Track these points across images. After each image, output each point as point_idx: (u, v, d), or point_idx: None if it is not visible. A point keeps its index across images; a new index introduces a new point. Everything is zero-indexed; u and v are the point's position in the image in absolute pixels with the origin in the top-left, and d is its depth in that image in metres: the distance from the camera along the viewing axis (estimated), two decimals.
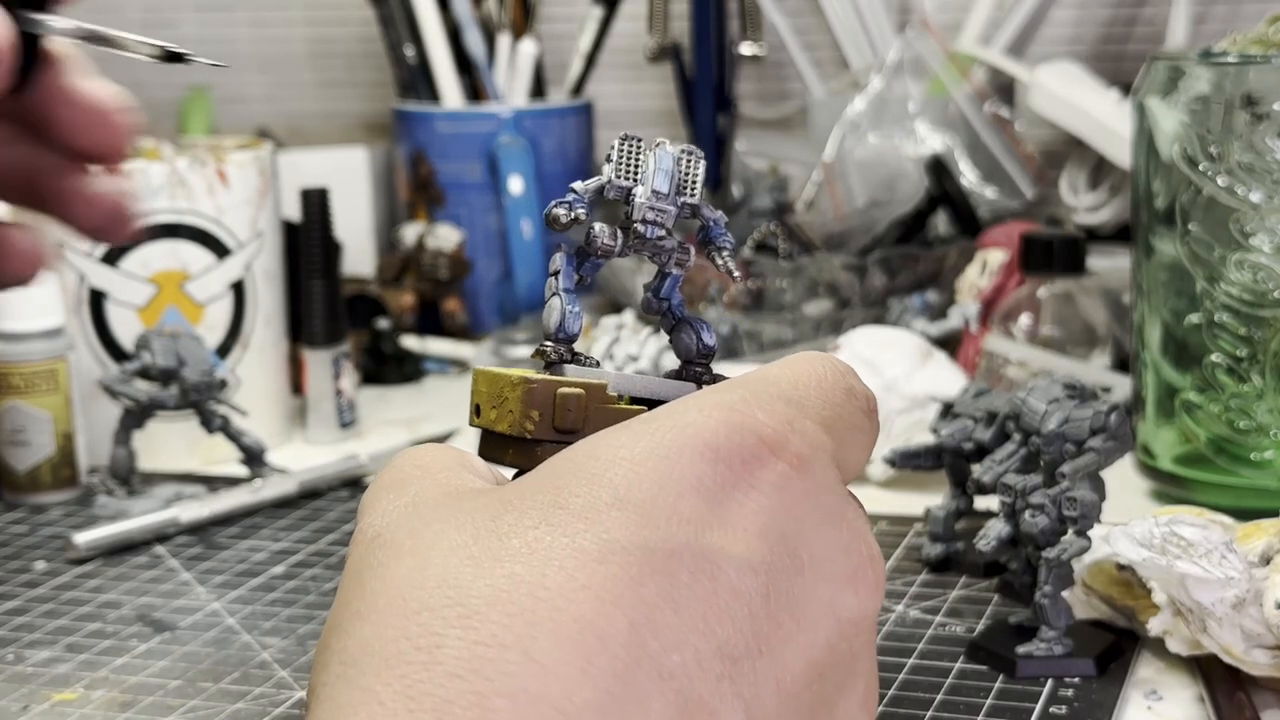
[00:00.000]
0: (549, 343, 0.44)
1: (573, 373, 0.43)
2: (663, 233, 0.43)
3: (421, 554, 0.35)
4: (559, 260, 0.45)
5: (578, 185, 0.45)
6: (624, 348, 0.85)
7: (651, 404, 0.42)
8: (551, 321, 0.44)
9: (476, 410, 0.44)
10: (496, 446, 0.44)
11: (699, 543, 0.34)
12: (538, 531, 0.34)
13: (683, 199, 0.44)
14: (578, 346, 0.43)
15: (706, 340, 0.44)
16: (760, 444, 0.36)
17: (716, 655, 0.33)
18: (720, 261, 0.44)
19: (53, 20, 0.44)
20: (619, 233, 0.44)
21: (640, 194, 0.43)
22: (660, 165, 0.43)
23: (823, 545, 0.36)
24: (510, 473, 0.44)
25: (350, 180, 1.22)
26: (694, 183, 0.43)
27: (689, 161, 0.44)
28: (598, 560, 0.33)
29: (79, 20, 0.44)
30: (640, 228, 0.43)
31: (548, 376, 0.42)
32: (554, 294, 0.44)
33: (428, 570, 0.34)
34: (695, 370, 0.45)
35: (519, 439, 0.42)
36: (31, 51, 0.44)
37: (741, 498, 0.35)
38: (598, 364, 0.44)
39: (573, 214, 0.44)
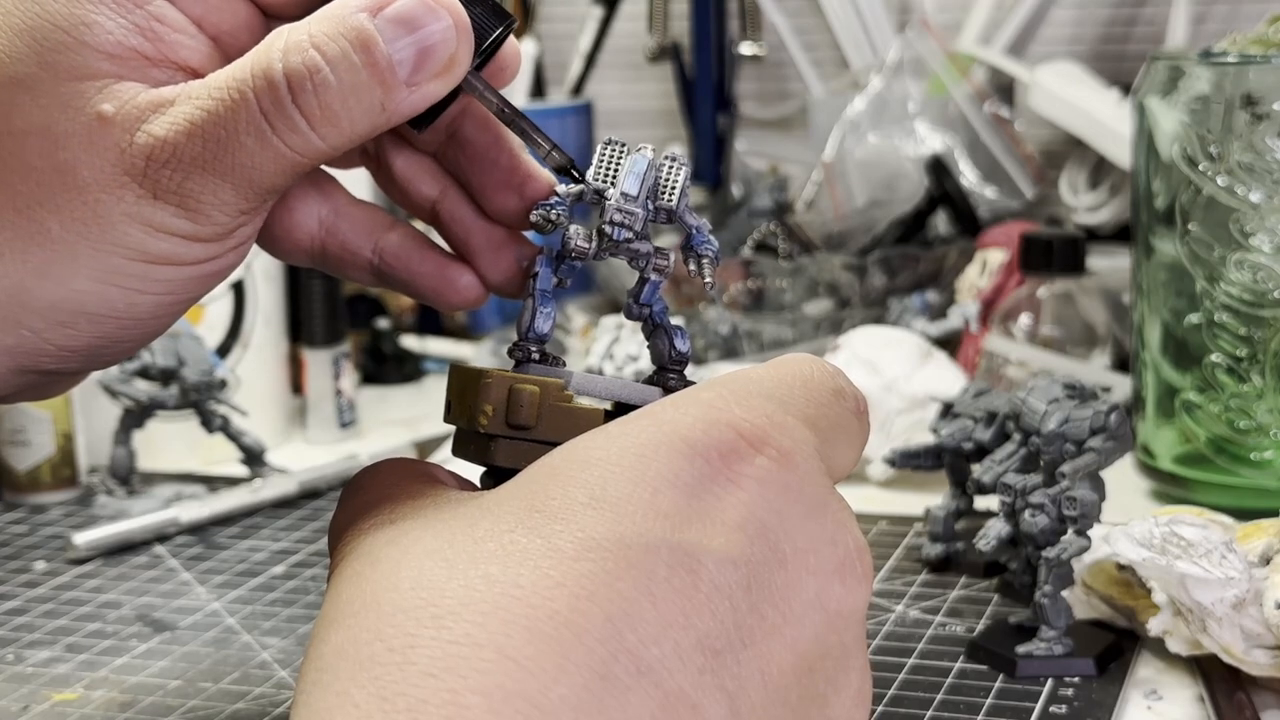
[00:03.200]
0: (519, 342, 0.44)
1: (537, 371, 0.43)
2: (629, 235, 0.43)
3: (396, 560, 0.35)
4: (537, 263, 0.45)
5: (560, 189, 0.45)
6: (624, 348, 0.85)
7: (624, 408, 0.42)
8: (523, 322, 0.44)
9: (448, 407, 0.44)
10: (460, 442, 0.44)
11: (676, 537, 0.34)
12: (514, 535, 0.34)
13: (658, 203, 0.44)
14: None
15: (680, 347, 0.44)
16: (738, 438, 0.36)
17: (697, 648, 0.33)
18: (695, 268, 0.44)
19: (486, 90, 0.45)
20: (593, 235, 0.44)
21: (610, 196, 0.43)
22: (633, 169, 0.43)
23: (806, 537, 0.36)
24: (475, 474, 0.44)
25: (350, 180, 1.21)
26: (672, 188, 0.43)
27: (671, 168, 0.44)
28: (573, 558, 0.33)
29: (506, 97, 0.45)
30: (607, 229, 0.43)
31: (506, 372, 0.43)
32: (529, 295, 0.45)
33: (401, 574, 0.34)
34: (668, 376, 0.45)
35: (476, 434, 0.42)
36: (450, 99, 0.45)
37: (720, 491, 0.35)
38: (564, 364, 0.44)
39: (550, 217, 0.44)
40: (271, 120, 0.40)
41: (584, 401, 0.42)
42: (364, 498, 0.40)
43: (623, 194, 0.43)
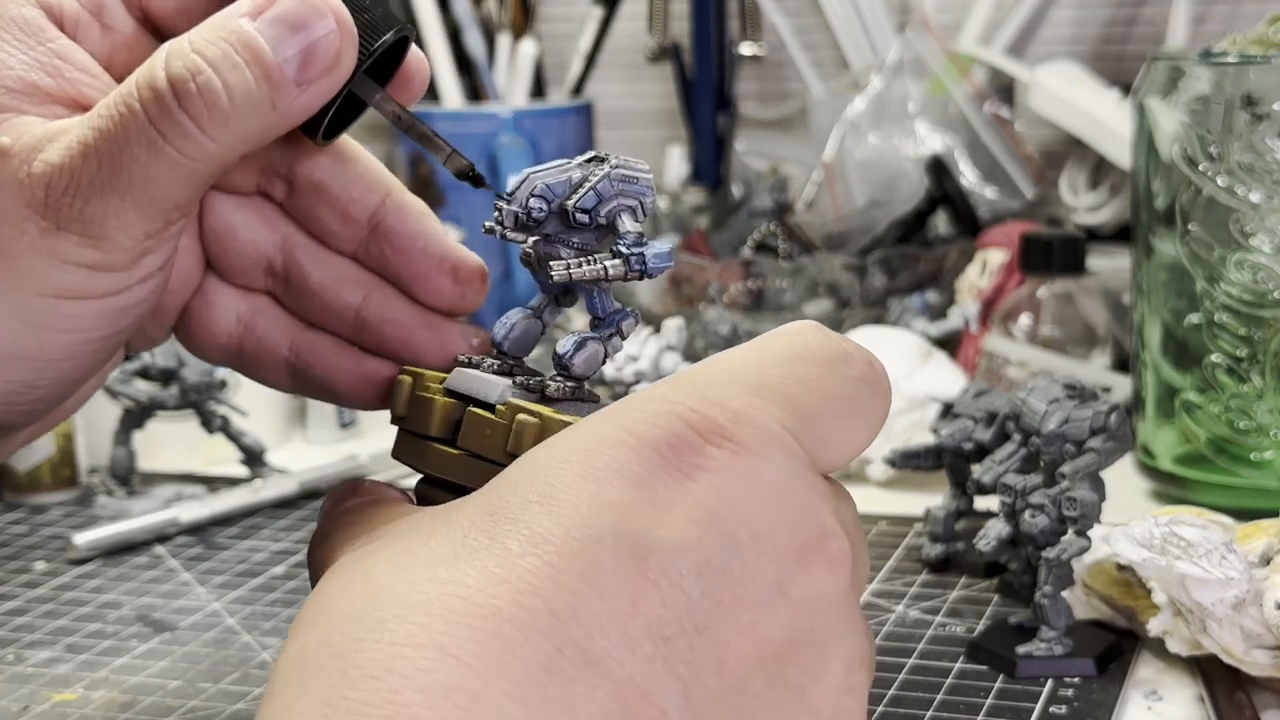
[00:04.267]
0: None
1: (466, 374, 0.44)
2: (500, 230, 0.43)
3: (353, 572, 0.36)
4: None
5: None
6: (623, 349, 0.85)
7: (467, 399, 0.42)
8: None
9: None
10: None
11: (622, 527, 0.34)
12: (467, 538, 0.34)
13: (564, 203, 0.43)
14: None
15: (558, 350, 0.44)
16: (688, 429, 0.35)
17: (646, 636, 0.33)
18: (566, 256, 0.43)
19: (382, 98, 0.45)
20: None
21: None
22: (522, 171, 0.44)
23: (764, 523, 0.35)
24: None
25: None
26: (582, 190, 0.43)
27: (594, 173, 0.43)
28: (519, 555, 0.33)
29: (403, 108, 0.45)
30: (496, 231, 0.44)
31: (414, 369, 0.45)
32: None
33: (355, 583, 0.35)
34: (557, 374, 0.44)
35: None
36: (350, 110, 0.44)
37: (670, 481, 0.35)
38: (492, 367, 0.44)
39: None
40: (160, 128, 0.40)
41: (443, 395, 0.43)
42: (339, 524, 0.41)
43: (496, 193, 0.44)
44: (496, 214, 0.43)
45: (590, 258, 0.43)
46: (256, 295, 0.48)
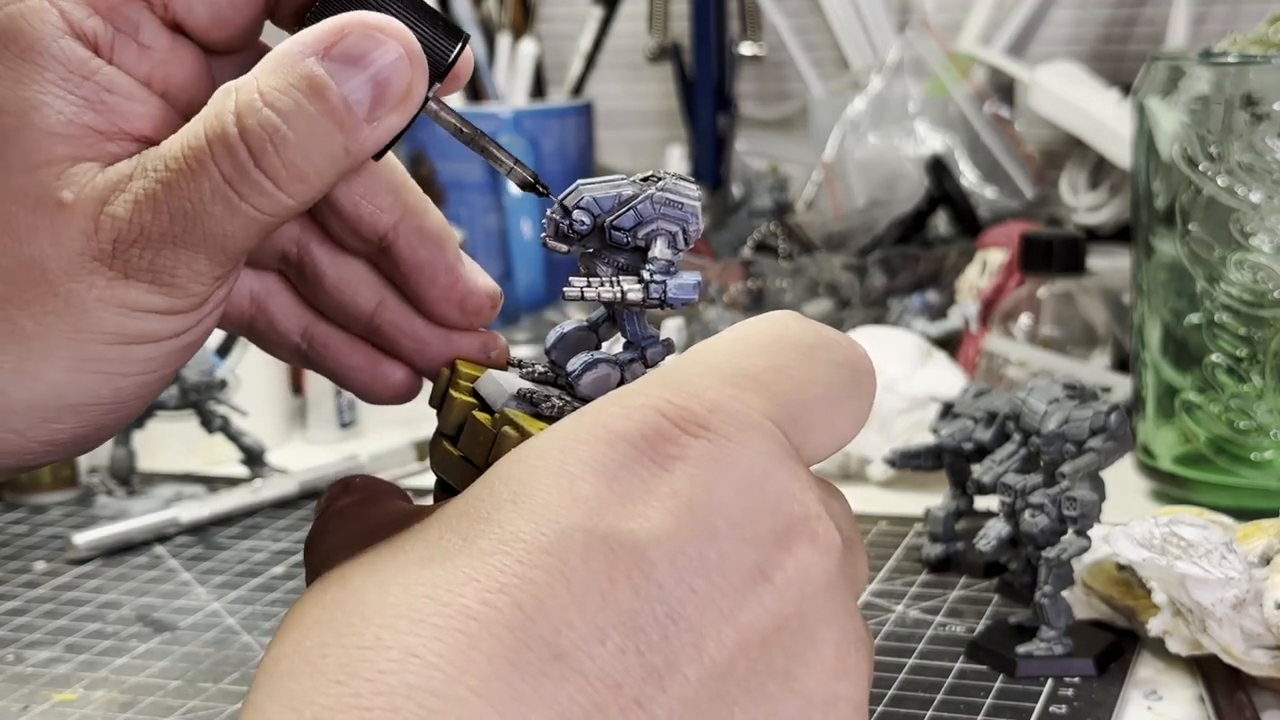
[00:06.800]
0: None
1: (492, 375, 0.43)
2: (543, 235, 0.43)
3: (330, 577, 0.36)
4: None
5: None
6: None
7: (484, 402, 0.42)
8: None
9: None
10: None
11: (592, 522, 0.34)
12: (441, 540, 0.34)
13: (604, 218, 0.42)
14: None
15: (569, 366, 0.42)
16: (663, 420, 0.35)
17: (616, 628, 0.33)
18: (604, 274, 0.43)
19: (444, 111, 0.43)
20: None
21: None
22: (573, 184, 0.43)
23: (742, 510, 0.35)
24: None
25: None
26: (623, 208, 0.42)
27: (637, 195, 0.43)
28: (488, 554, 0.33)
29: (460, 113, 0.44)
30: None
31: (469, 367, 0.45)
32: None
33: (329, 589, 0.35)
34: (564, 393, 0.43)
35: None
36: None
37: (644, 474, 0.35)
38: (533, 373, 0.44)
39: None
40: (237, 187, 0.39)
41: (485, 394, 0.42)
42: (331, 525, 0.41)
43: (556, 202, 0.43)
44: (544, 221, 0.43)
45: (613, 279, 0.42)
46: (270, 274, 0.47)
